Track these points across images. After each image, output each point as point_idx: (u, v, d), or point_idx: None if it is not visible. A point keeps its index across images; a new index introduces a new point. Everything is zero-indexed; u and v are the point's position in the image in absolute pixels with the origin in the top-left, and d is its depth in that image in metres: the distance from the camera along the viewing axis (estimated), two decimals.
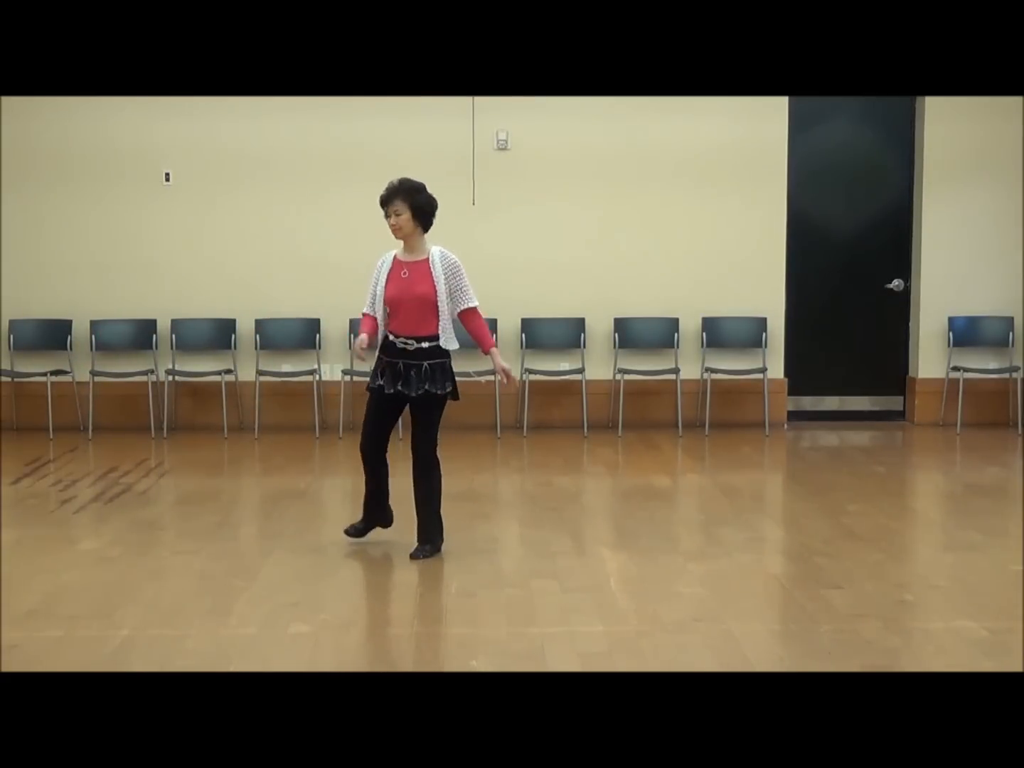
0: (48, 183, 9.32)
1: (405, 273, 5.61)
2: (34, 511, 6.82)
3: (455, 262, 5.62)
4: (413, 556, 5.64)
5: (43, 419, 9.11)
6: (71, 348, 9.36)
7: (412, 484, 5.74)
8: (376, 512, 5.92)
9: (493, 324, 9.38)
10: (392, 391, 5.62)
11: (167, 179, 9.39)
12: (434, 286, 5.56)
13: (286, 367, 9.38)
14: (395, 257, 5.69)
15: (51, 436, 9.02)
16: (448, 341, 5.63)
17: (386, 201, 5.58)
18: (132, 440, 8.94)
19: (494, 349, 5.72)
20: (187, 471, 8.11)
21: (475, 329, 5.71)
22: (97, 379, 9.19)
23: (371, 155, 9.25)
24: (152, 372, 9.24)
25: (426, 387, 5.58)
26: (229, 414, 9.26)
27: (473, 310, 5.66)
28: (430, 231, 5.68)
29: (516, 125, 9.40)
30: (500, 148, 9.41)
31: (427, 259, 5.61)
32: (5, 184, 9.29)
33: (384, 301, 5.64)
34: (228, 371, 9.33)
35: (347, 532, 5.94)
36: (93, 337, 9.36)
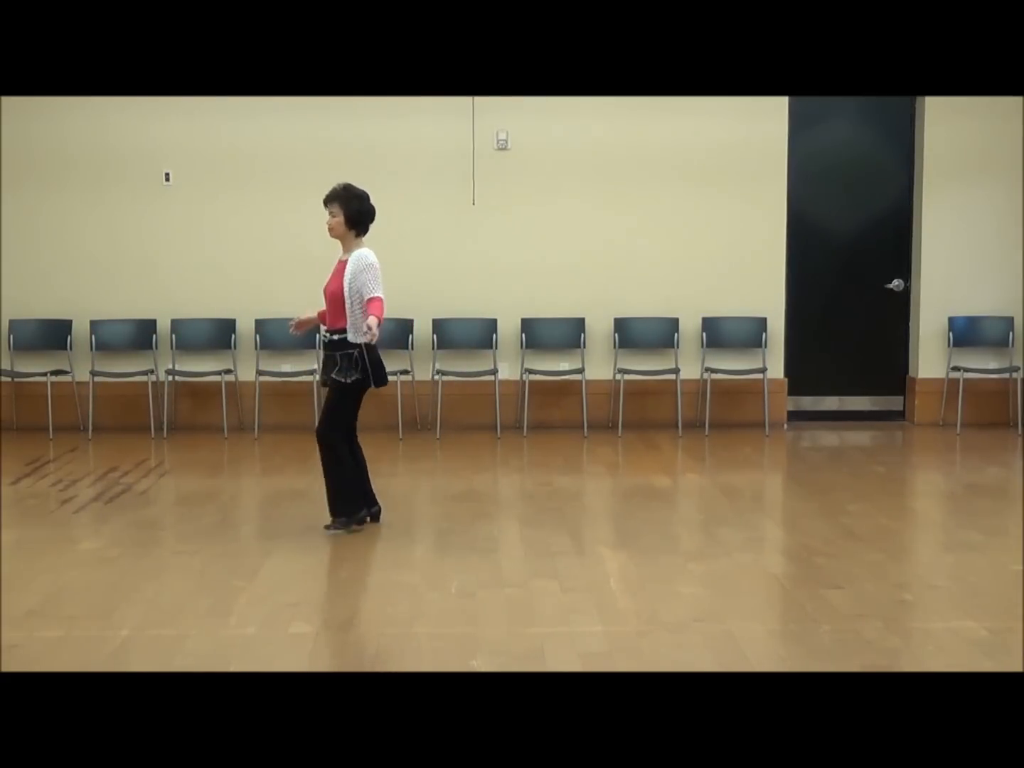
0: (48, 183, 9.32)
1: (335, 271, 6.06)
2: (34, 511, 6.82)
3: (365, 262, 5.87)
4: (326, 527, 6.07)
5: (43, 419, 9.11)
6: (71, 348, 9.36)
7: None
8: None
9: (493, 324, 9.40)
10: (322, 379, 6.13)
11: (167, 179, 9.39)
12: (343, 284, 5.90)
13: (286, 367, 9.38)
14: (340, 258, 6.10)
15: (51, 436, 9.02)
16: (355, 335, 5.89)
17: (326, 202, 5.95)
18: (132, 440, 8.94)
19: (371, 318, 5.74)
20: (187, 471, 8.11)
21: (370, 310, 5.83)
22: (97, 379, 9.19)
23: (371, 155, 9.26)
24: (152, 372, 9.23)
25: (333, 375, 5.95)
26: (229, 414, 9.26)
27: (372, 299, 5.82)
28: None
29: (516, 125, 9.39)
30: (500, 148, 9.41)
31: (348, 259, 5.95)
32: (5, 184, 9.29)
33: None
34: (228, 371, 9.33)
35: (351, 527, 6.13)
36: (93, 337, 9.36)
